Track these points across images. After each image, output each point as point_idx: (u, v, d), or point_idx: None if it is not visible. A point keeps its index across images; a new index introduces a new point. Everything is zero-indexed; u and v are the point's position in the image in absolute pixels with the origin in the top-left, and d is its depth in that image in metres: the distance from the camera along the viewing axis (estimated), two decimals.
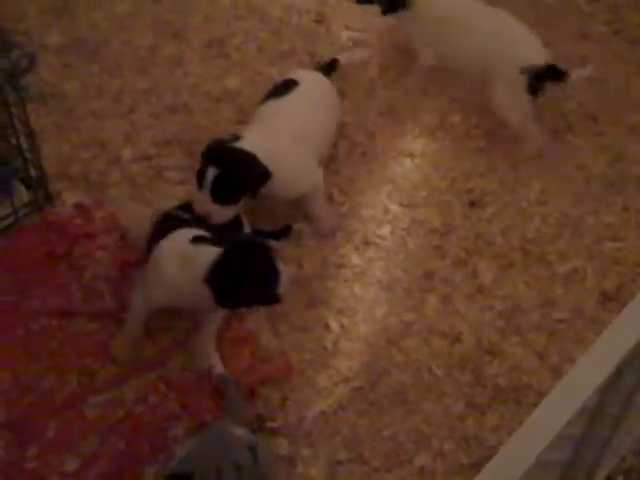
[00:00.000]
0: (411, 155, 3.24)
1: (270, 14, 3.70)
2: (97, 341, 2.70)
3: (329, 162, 3.19)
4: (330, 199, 3.10)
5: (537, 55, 3.12)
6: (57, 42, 3.53)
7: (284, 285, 2.46)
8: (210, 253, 2.44)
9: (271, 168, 2.76)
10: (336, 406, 2.66)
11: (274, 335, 2.77)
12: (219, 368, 2.65)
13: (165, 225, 2.66)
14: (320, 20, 3.69)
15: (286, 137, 2.87)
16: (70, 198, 3.04)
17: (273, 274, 2.44)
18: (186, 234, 2.55)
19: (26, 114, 2.80)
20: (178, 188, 3.10)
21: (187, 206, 2.75)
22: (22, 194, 2.97)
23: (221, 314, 2.67)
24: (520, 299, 2.87)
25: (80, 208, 2.99)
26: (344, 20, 3.69)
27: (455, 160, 3.23)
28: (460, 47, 3.24)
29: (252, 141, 2.79)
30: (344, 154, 3.23)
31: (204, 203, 2.70)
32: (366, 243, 3.00)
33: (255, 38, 3.60)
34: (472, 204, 3.11)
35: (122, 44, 3.53)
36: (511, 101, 3.14)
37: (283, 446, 2.57)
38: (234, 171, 2.69)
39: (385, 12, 3.30)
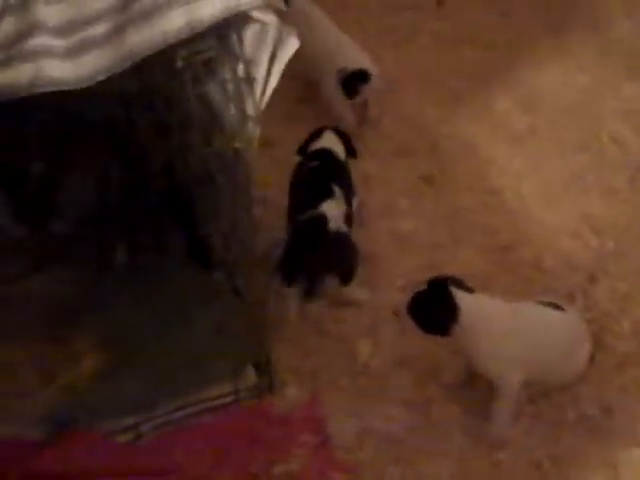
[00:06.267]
0: None
1: None
2: None
3: (553, 429, 3.03)
4: (539, 466, 2.93)
5: (354, 61, 4.02)
6: None
7: None
8: None
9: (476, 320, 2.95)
10: None
11: None
12: None
13: None
14: None
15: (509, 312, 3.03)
16: (292, 392, 3.14)
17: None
18: None
19: None
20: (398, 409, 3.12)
21: None
22: (250, 377, 3.10)
23: None
24: None
25: (293, 403, 3.08)
26: None
27: None
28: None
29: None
30: (572, 422, 3.04)
31: None
32: None
33: None
34: None
35: None
36: (332, 93, 4.07)
37: None
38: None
39: None
